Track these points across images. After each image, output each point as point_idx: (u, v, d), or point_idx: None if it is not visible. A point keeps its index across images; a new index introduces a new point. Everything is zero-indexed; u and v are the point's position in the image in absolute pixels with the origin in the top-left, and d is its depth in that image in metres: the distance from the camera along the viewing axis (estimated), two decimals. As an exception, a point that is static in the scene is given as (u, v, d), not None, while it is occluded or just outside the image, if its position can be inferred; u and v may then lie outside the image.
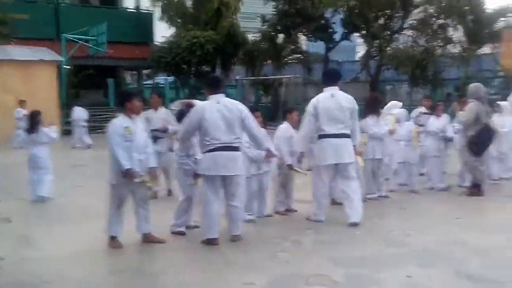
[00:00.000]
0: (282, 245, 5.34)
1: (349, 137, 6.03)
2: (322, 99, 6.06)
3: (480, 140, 7.62)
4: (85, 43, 21.92)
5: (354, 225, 5.87)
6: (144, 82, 31.17)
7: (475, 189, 7.68)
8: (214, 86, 5.47)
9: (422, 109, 8.85)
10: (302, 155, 6.34)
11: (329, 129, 5.95)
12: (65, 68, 20.88)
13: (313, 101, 6.11)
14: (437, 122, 8.16)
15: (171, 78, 27.02)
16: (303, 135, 6.20)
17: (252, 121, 5.40)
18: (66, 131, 17.49)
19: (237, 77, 26.59)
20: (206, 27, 24.68)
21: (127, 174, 5.04)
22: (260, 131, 5.53)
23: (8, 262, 5.00)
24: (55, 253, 5.22)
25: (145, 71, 30.90)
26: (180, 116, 5.98)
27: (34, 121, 7.76)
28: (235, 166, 5.27)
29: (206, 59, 24.21)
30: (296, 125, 6.64)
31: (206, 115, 5.20)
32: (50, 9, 24.54)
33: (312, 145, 6.31)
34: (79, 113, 16.37)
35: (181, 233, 5.68)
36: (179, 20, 26.81)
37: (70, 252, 5.22)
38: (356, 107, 6.09)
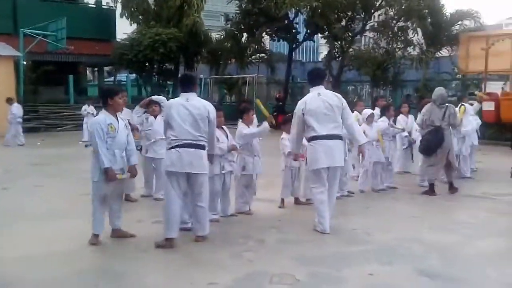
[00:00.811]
0: (247, 245, 5.37)
1: (341, 138, 5.87)
2: (310, 99, 5.84)
3: (429, 141, 7.93)
4: (44, 39, 21.35)
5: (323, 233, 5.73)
6: (106, 80, 30.63)
7: (429, 189, 7.99)
8: (186, 84, 5.47)
9: (376, 110, 9.07)
10: (298, 155, 6.31)
11: (320, 129, 5.71)
12: (23, 63, 20.28)
13: (301, 102, 5.92)
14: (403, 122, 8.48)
15: (133, 76, 26.64)
16: (295, 136, 6.03)
17: (214, 124, 5.45)
18: (25, 129, 16.95)
19: (201, 76, 26.47)
20: (168, 25, 24.43)
21: (107, 173, 5.12)
22: (214, 137, 5.57)
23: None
24: (16, 255, 5.07)
25: (106, 68, 30.36)
26: None
27: None
28: (200, 164, 5.25)
29: (169, 57, 23.97)
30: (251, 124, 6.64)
31: (173, 112, 5.22)
32: (8, 3, 23.74)
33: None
34: (16, 110, 15.56)
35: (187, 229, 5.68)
36: (140, 17, 26.42)
37: (32, 253, 5.08)
38: (346, 104, 5.88)
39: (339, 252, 5.12)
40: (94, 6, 28.56)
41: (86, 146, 12.26)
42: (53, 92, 23.45)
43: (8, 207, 7.13)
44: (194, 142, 5.21)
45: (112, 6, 27.55)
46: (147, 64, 24.33)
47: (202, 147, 5.29)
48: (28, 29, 20.82)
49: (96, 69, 31.04)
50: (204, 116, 5.26)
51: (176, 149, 5.18)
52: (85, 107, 16.72)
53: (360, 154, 7.12)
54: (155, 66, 24.83)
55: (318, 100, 5.76)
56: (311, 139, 5.80)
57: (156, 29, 23.54)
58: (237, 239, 5.56)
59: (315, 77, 6.04)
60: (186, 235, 5.53)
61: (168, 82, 25.60)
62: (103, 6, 28.25)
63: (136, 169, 5.58)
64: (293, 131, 6.05)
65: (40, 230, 5.94)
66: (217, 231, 5.80)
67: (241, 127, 6.47)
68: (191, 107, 5.23)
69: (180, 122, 5.17)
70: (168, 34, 23.23)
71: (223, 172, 6.15)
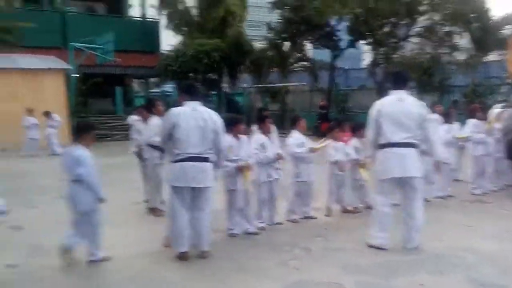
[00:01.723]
0: (293, 253, 5.35)
1: (415, 147, 5.30)
2: (388, 103, 5.38)
3: None
4: (92, 52, 22.04)
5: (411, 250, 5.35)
6: (152, 91, 31.28)
7: None
8: (190, 93, 5.24)
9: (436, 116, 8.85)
10: (370, 161, 5.92)
11: (392, 136, 5.25)
12: (73, 76, 20.98)
13: (377, 104, 5.44)
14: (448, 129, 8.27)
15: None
16: (370, 141, 5.56)
17: (222, 136, 5.22)
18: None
19: (244, 85, 26.66)
20: (212, 36, 24.79)
21: None
22: (224, 147, 5.33)
23: (21, 269, 5.03)
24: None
25: (152, 80, 31.03)
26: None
27: None
28: (205, 178, 5.06)
29: (213, 67, 24.28)
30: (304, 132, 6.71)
31: (180, 122, 4.98)
32: (57, 18, 24.68)
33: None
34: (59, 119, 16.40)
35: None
36: (185, 29, 26.93)
37: (80, 260, 5.24)
38: (428, 114, 5.47)
39: (387, 261, 5.02)
40: (139, 19, 29.30)
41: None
42: (102, 104, 24.16)
43: (64, 214, 7.35)
44: (200, 155, 5.02)
45: (156, 19, 28.20)
46: (191, 75, 24.73)
47: (207, 160, 5.09)
48: (77, 43, 21.53)
49: (142, 80, 31.75)
50: (211, 127, 5.05)
51: (181, 163, 5.00)
52: (132, 117, 17.05)
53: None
54: (199, 76, 25.21)
55: (397, 105, 5.30)
56: (382, 146, 5.35)
57: (200, 40, 23.93)
58: (283, 247, 5.54)
59: (398, 80, 5.51)
60: (232, 242, 5.57)
61: (212, 92, 25.90)
62: (148, 19, 28.94)
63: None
64: (368, 136, 5.59)
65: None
66: (263, 239, 5.82)
67: (294, 136, 6.55)
68: (199, 119, 5.01)
69: (186, 134, 4.97)
70: (211, 44, 23.58)
71: (269, 179, 6.16)
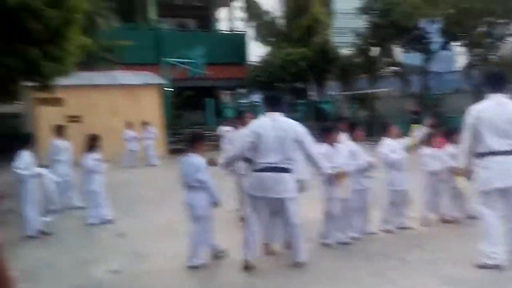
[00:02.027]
0: (388, 263, 5.23)
1: None
2: (486, 108, 4.98)
3: None
4: (184, 66, 22.95)
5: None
6: (240, 101, 32.00)
7: None
8: (271, 104, 5.29)
9: None
10: (468, 170, 5.36)
11: (494, 144, 4.88)
12: (168, 90, 21.94)
13: (474, 110, 5.06)
14: None
15: (265, 96, 27.46)
16: (464, 149, 5.20)
17: (309, 142, 5.16)
18: (172, 151, 18.39)
19: (331, 93, 26.46)
20: (298, 44, 24.91)
21: None
22: (317, 153, 5.27)
23: (124, 275, 5.35)
24: (166, 267, 5.51)
25: (241, 90, 31.75)
26: None
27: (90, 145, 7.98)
28: (284, 189, 5.03)
29: (300, 76, 24.39)
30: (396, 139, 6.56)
31: (261, 132, 5.04)
32: (151, 36, 26.03)
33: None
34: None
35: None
36: (272, 39, 27.32)
37: (180, 266, 5.47)
38: None
39: (489, 275, 4.74)
40: (227, 32, 30.11)
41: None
42: (193, 116, 25.06)
43: (159, 222, 7.74)
44: (277, 166, 5.01)
45: (244, 31, 28.83)
46: (279, 84, 24.97)
47: (286, 171, 5.04)
48: (170, 58, 22.53)
49: (231, 91, 32.59)
50: (292, 137, 5.05)
51: (259, 173, 5.06)
52: (222, 127, 17.44)
53: None
54: (286, 85, 25.39)
55: (497, 110, 4.91)
56: (481, 155, 4.99)
57: (287, 50, 24.13)
58: (377, 256, 5.44)
59: (496, 83, 5.08)
60: (325, 251, 5.54)
61: (299, 101, 25.97)
62: (235, 32, 29.67)
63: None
64: (463, 144, 5.23)
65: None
66: (356, 248, 5.74)
67: (386, 143, 6.46)
68: (279, 129, 5.03)
69: (265, 144, 5.01)
70: (298, 53, 23.71)
71: (361, 188, 6.08)
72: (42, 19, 8.06)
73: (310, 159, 5.25)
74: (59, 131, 9.44)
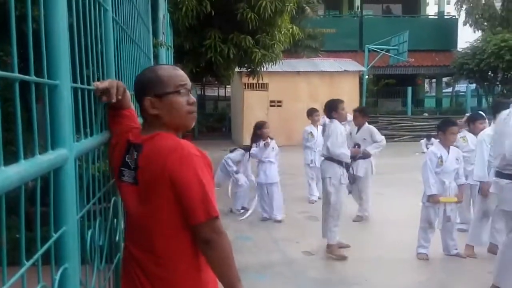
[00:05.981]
0: None
1: None
2: None
3: None
4: (386, 53, 22.45)
5: None
6: (444, 91, 30.14)
7: None
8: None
9: None
10: None
11: None
12: (366, 77, 21.79)
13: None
14: None
15: (472, 86, 25.39)
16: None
17: None
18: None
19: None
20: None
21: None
22: None
23: (317, 258, 5.54)
24: (364, 256, 5.57)
25: (444, 79, 29.86)
26: None
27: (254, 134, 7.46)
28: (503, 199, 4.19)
29: (516, 65, 21.85)
30: None
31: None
32: (355, 22, 25.97)
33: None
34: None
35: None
36: (485, 24, 24.97)
37: (374, 256, 5.47)
38: None
39: None
40: (435, 17, 28.47)
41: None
42: (391, 104, 24.44)
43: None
44: (499, 171, 4.22)
45: (454, 16, 26.93)
46: (490, 73, 22.81)
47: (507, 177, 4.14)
48: (372, 44, 22.25)
49: (433, 80, 30.86)
50: None
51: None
52: (424, 141, 15.61)
53: None
54: (498, 75, 23.05)
55: None
56: None
57: (503, 35, 21.83)
58: None
59: None
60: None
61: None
62: (445, 16, 27.88)
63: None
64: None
65: (381, 236, 6.33)
66: None
67: None
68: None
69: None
70: (515, 40, 21.26)
71: None
72: (257, 9, 8.63)
73: None
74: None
